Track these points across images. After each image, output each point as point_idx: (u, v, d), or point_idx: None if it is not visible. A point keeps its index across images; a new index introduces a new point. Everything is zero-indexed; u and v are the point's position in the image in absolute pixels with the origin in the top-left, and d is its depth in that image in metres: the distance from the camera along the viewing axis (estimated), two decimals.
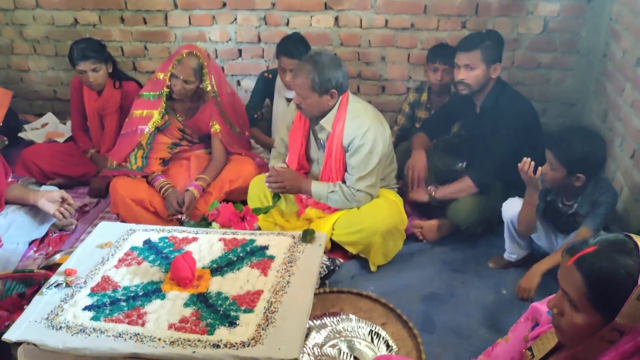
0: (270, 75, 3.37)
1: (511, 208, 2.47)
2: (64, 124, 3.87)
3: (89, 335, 1.65)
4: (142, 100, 2.92)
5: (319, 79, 2.40)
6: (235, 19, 3.58)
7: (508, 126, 2.61)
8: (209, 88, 2.90)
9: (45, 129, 3.82)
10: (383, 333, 2.02)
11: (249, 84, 3.72)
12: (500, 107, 2.66)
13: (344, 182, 2.60)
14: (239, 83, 3.82)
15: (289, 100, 3.17)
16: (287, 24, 3.54)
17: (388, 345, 1.98)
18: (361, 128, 2.48)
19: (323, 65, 2.41)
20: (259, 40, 3.64)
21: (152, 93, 2.90)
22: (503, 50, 2.72)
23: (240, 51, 3.71)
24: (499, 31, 3.28)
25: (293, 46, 3.03)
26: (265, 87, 3.40)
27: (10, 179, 2.66)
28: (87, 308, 1.76)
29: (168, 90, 2.86)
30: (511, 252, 2.55)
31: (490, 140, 2.67)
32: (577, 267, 1.20)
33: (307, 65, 2.42)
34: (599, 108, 3.09)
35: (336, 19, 3.48)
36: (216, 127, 2.98)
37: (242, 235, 2.18)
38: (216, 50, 3.70)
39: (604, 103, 3.02)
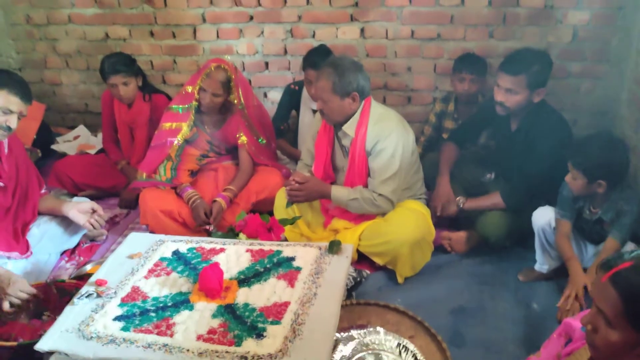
0: (296, 87, 3.40)
1: (542, 217, 2.44)
2: (95, 136, 3.95)
3: (119, 345, 1.67)
4: (171, 113, 2.96)
5: (340, 81, 2.43)
6: (262, 32, 3.62)
7: (544, 149, 2.51)
8: (237, 101, 2.93)
9: (77, 142, 3.90)
10: (411, 346, 1.99)
11: (276, 95, 3.74)
12: (538, 129, 2.55)
13: (366, 187, 2.59)
14: (265, 95, 3.85)
15: (315, 111, 3.18)
16: (313, 36, 3.56)
17: (416, 359, 1.95)
18: (384, 132, 2.48)
19: (344, 68, 2.44)
20: (286, 52, 3.67)
21: (181, 106, 2.94)
22: (550, 72, 2.57)
23: (267, 64, 3.74)
24: (528, 40, 3.27)
25: (319, 58, 3.04)
26: (291, 98, 3.43)
27: (43, 191, 2.72)
28: (117, 318, 1.78)
29: (197, 103, 2.90)
30: (542, 263, 2.50)
31: (524, 160, 2.59)
32: (613, 284, 1.18)
33: (328, 69, 2.46)
34: (631, 117, 3.03)
35: (362, 30, 3.49)
36: (243, 139, 3.00)
37: (269, 246, 2.19)
38: (243, 63, 3.74)
39: (636, 112, 2.95)
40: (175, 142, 2.93)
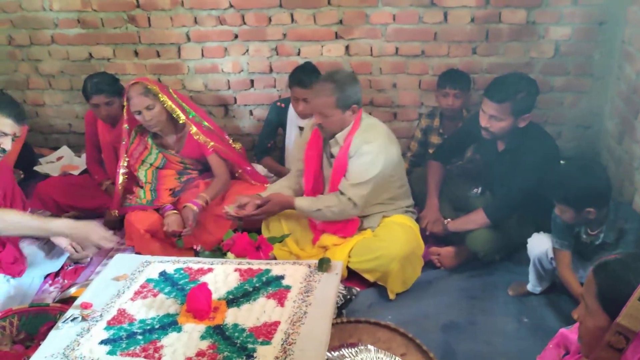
0: (282, 105, 3.39)
1: (538, 246, 2.41)
2: (79, 156, 3.90)
3: None
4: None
5: (342, 96, 2.46)
6: (247, 50, 3.62)
7: (531, 169, 2.50)
8: (168, 103, 2.86)
9: (60, 162, 3.85)
10: None
11: (262, 113, 3.74)
12: (526, 150, 2.54)
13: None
14: (251, 113, 3.84)
15: (301, 129, 3.18)
16: (299, 53, 3.57)
17: None
18: (369, 138, 2.51)
19: (344, 82, 2.48)
20: (271, 70, 3.67)
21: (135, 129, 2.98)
22: (536, 99, 2.56)
23: (252, 81, 3.73)
24: (511, 56, 3.31)
25: (305, 76, 3.05)
26: (278, 116, 3.42)
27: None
28: (104, 342, 1.74)
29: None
30: (535, 285, 2.49)
31: (509, 179, 2.58)
32: (594, 272, 1.26)
33: (328, 84, 2.48)
34: (615, 130, 3.06)
35: (347, 47, 3.51)
36: (208, 141, 2.96)
37: (258, 265, 2.16)
38: (229, 82, 3.73)
39: (620, 125, 2.99)
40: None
